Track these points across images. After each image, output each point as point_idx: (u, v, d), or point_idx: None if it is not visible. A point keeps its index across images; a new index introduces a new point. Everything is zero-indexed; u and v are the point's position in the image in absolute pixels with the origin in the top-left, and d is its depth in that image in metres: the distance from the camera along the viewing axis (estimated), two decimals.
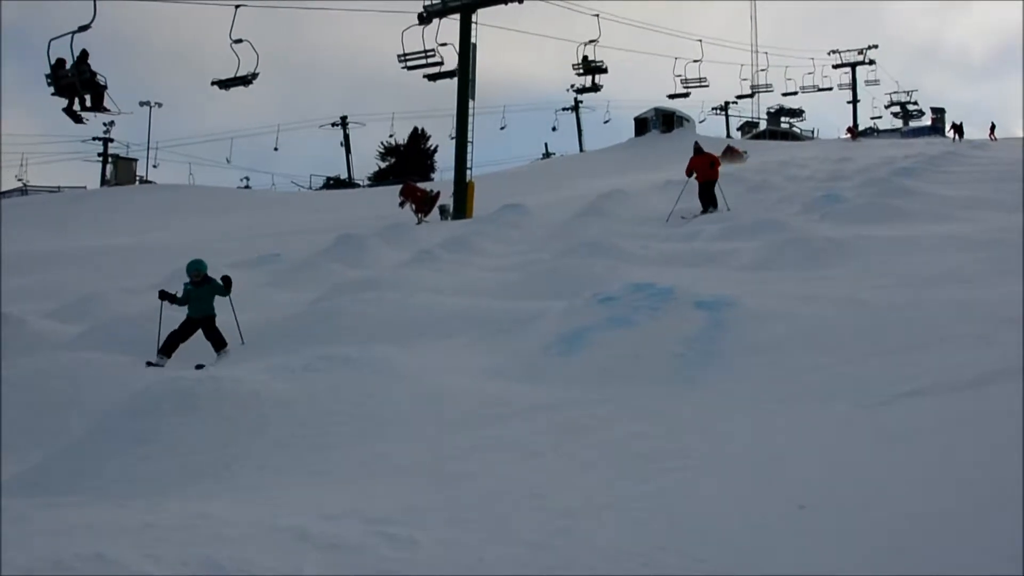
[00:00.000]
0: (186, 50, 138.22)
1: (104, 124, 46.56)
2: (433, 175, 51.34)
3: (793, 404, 5.20)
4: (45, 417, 6.84)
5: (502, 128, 61.64)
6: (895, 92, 66.24)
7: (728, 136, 57.87)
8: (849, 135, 55.47)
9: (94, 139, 49.40)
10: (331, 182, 55.22)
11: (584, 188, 27.27)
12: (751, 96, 57.02)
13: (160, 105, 51.39)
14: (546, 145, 61.57)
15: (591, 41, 33.69)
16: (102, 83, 17.46)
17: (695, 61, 43.61)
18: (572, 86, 39.61)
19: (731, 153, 36.34)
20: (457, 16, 25.58)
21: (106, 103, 17.73)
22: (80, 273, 17.83)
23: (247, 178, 55.29)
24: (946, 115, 58.79)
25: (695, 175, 16.98)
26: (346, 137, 55.74)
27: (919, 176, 19.52)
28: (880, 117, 66.06)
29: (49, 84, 17.20)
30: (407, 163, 55.44)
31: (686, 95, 45.35)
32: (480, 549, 3.33)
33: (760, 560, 3.11)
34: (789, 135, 59.41)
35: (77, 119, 17.89)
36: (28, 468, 5.42)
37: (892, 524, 3.19)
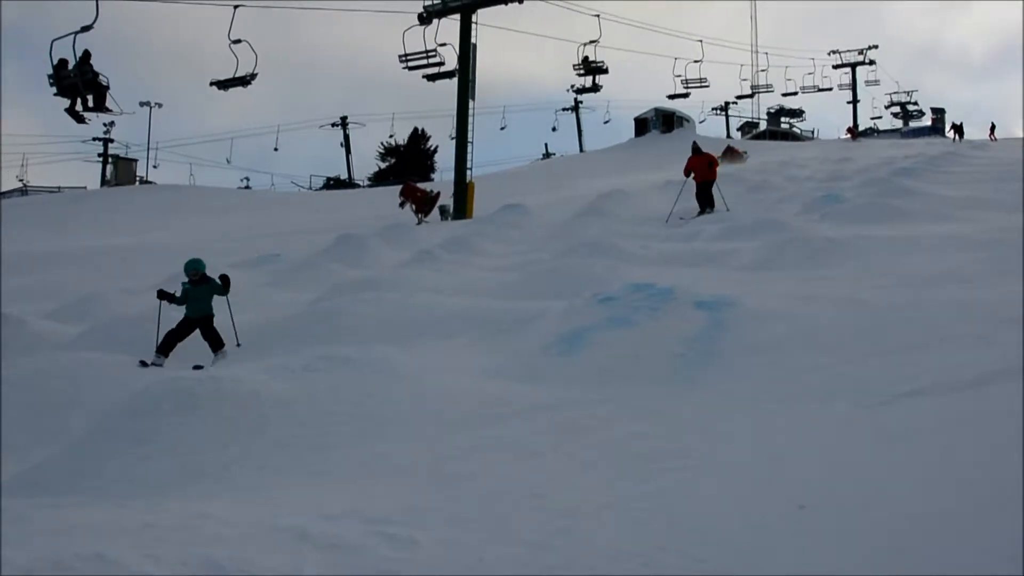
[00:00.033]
0: (186, 50, 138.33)
1: (104, 124, 46.64)
2: (433, 175, 51.37)
3: (793, 404, 5.20)
4: (45, 417, 6.84)
5: (502, 128, 61.71)
6: (895, 92, 66.29)
7: (728, 136, 57.87)
8: (849, 135, 55.48)
9: (94, 139, 49.47)
10: (331, 182, 55.23)
11: (584, 188, 27.27)
12: (751, 96, 57.02)
13: (160, 105, 51.44)
14: (546, 145, 61.65)
15: (592, 41, 33.71)
16: (104, 83, 17.48)
17: (695, 61, 43.61)
18: (572, 86, 39.66)
19: (731, 153, 36.33)
20: (457, 16, 25.59)
21: (108, 103, 17.75)
22: (80, 273, 17.84)
23: (247, 178, 55.38)
24: (946, 115, 58.84)
25: (693, 175, 16.83)
26: (346, 137, 55.79)
27: (919, 176, 19.51)
28: (880, 117, 66.13)
29: (51, 84, 17.22)
30: (407, 163, 55.44)
31: (686, 95, 45.35)
32: (480, 549, 3.33)
33: (760, 560, 3.11)
34: (789, 135, 59.40)
35: (79, 119, 17.91)
36: (28, 468, 5.42)
37: (892, 524, 3.19)
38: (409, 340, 8.08)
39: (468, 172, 25.87)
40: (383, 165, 59.27)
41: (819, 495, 3.59)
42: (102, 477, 4.98)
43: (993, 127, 46.40)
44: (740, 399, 5.50)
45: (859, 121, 61.26)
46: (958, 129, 43.22)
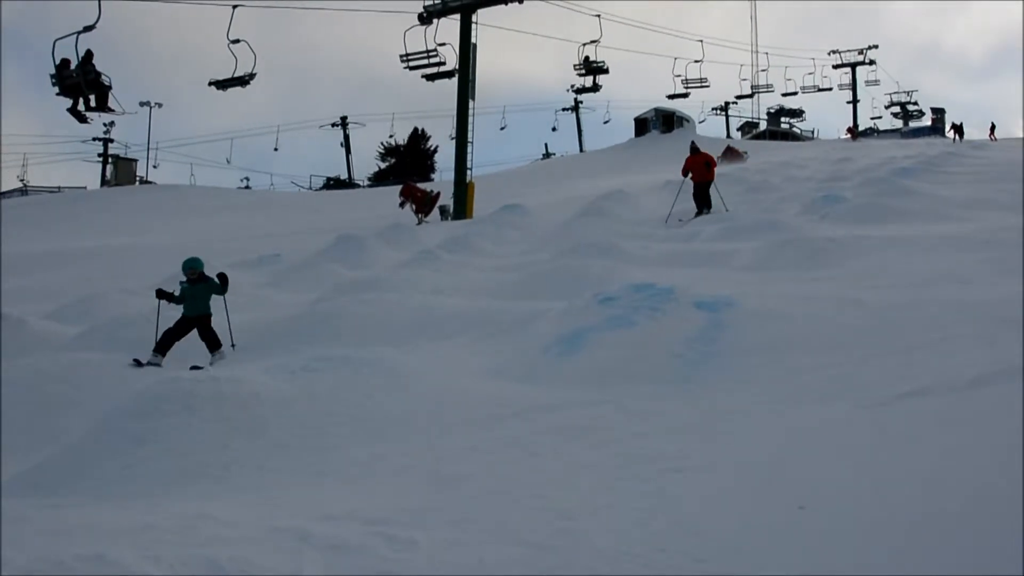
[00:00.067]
0: (186, 50, 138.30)
1: (104, 124, 46.74)
2: (433, 175, 51.44)
3: (793, 404, 5.20)
4: (45, 417, 6.84)
5: (502, 128, 61.80)
6: (895, 92, 66.43)
7: (728, 136, 57.89)
8: (849, 135, 55.51)
9: (94, 139, 49.59)
10: (331, 182, 55.25)
11: (584, 188, 27.28)
12: (751, 96, 57.17)
13: (160, 105, 51.53)
14: (546, 145, 61.73)
15: (593, 41, 33.74)
16: (106, 83, 17.52)
17: (696, 61, 43.72)
18: (572, 86, 39.72)
19: (731, 153, 36.35)
20: (457, 16, 25.60)
21: (110, 103, 17.80)
22: (80, 273, 17.84)
23: (247, 178, 55.45)
24: (946, 115, 58.87)
25: (691, 175, 16.66)
26: (346, 137, 55.85)
27: (919, 176, 19.50)
28: (880, 117, 66.22)
29: (54, 84, 17.26)
30: (407, 163, 55.46)
31: (686, 95, 45.45)
32: (480, 549, 3.33)
33: (760, 560, 3.11)
34: (789, 135, 59.42)
35: (82, 119, 17.95)
36: (28, 468, 5.42)
37: (892, 524, 3.19)
38: (409, 340, 8.09)
39: (468, 172, 25.88)
40: (383, 165, 59.34)
41: (819, 495, 3.59)
42: (102, 477, 4.97)
43: (993, 127, 46.54)
44: (740, 399, 5.50)
45: (859, 121, 61.37)
46: (958, 129, 43.24)
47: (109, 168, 49.97)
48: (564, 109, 58.16)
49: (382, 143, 59.14)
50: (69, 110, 17.59)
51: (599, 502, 3.87)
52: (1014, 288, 6.72)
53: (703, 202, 16.66)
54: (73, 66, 16.95)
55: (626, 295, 7.58)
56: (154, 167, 52.11)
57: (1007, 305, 6.29)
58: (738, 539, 3.32)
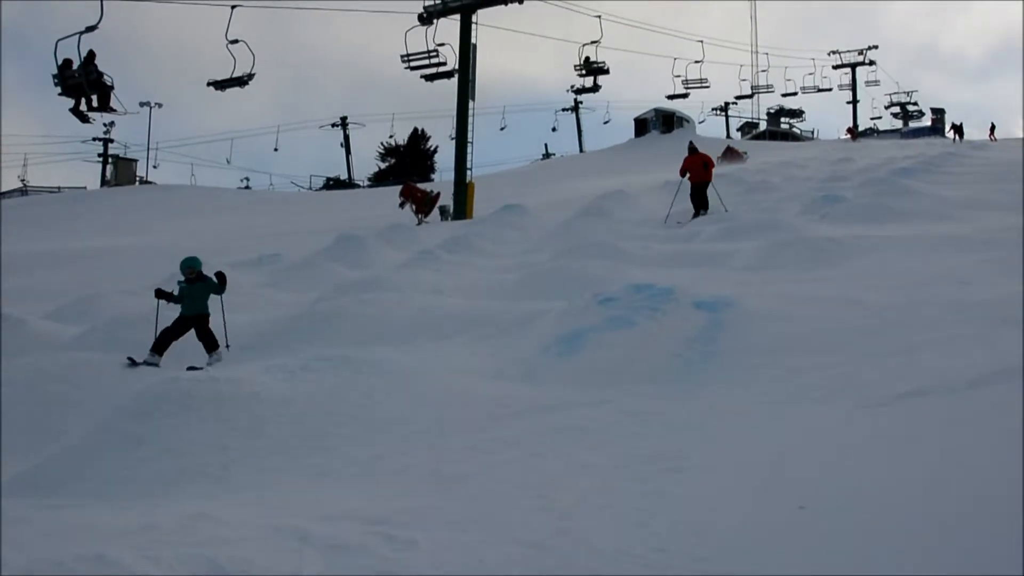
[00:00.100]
0: (186, 50, 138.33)
1: (104, 125, 46.75)
2: (433, 176, 51.43)
3: (793, 404, 5.20)
4: (45, 417, 6.83)
5: (502, 129, 61.82)
6: (895, 93, 66.50)
7: (728, 137, 57.91)
8: (849, 136, 55.50)
9: (94, 140, 49.59)
10: (331, 183, 55.26)
11: (584, 188, 27.27)
12: (751, 97, 57.18)
13: (160, 105, 51.52)
14: (546, 146, 61.74)
15: (593, 42, 33.76)
16: (109, 83, 17.55)
17: (696, 62, 43.72)
18: (572, 86, 39.73)
19: (731, 154, 36.36)
20: (457, 16, 25.59)
21: (112, 103, 17.82)
22: (80, 273, 17.84)
23: (247, 179, 55.46)
24: (946, 116, 58.89)
25: (688, 175, 16.55)
26: (346, 138, 55.86)
27: (919, 177, 19.50)
28: (880, 118, 66.25)
29: (56, 84, 17.28)
30: (407, 164, 55.46)
31: (685, 96, 45.45)
32: (480, 549, 3.33)
33: (760, 560, 3.11)
34: (789, 136, 59.44)
35: (84, 119, 17.98)
36: (28, 468, 5.42)
37: (892, 524, 3.19)
38: (409, 340, 8.08)
39: (468, 172, 25.87)
40: (383, 165, 59.34)
41: (819, 495, 3.59)
42: (102, 478, 4.97)
43: (993, 127, 46.52)
44: (740, 399, 5.50)
45: (859, 121, 61.40)
46: (958, 129, 43.24)
47: (109, 168, 49.98)
48: (564, 109, 58.24)
49: (382, 143, 59.23)
50: (72, 110, 17.63)
51: (599, 502, 3.87)
52: (1014, 288, 6.72)
53: (700, 203, 16.53)
54: (75, 66, 16.97)
55: (626, 295, 7.58)
56: (154, 167, 52.20)
57: (1007, 305, 6.30)
58: (738, 539, 3.32)
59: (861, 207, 14.41)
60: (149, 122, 53.65)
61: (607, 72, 35.11)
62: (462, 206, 25.06)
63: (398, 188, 26.67)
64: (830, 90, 61.49)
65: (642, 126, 54.81)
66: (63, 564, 2.91)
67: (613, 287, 8.06)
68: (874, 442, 4.24)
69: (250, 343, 9.00)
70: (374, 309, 9.29)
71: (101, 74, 17.29)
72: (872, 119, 65.59)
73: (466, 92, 25.55)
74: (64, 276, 17.47)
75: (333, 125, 55.55)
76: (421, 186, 27.39)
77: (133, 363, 7.98)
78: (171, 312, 8.96)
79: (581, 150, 57.90)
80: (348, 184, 54.25)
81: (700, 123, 56.52)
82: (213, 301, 8.97)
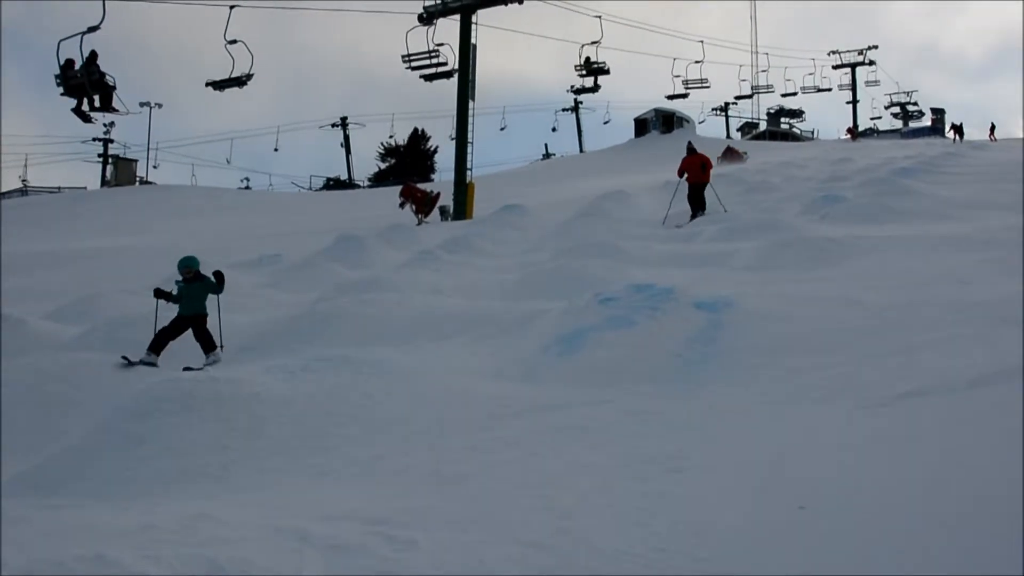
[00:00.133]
0: (186, 50, 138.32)
1: (104, 125, 46.72)
2: (433, 176, 51.43)
3: (793, 404, 5.20)
4: (45, 417, 6.83)
5: (502, 129, 61.77)
6: (895, 93, 66.54)
7: (728, 137, 57.93)
8: (849, 136, 55.52)
9: (94, 140, 49.58)
10: (331, 183, 55.27)
11: (584, 189, 27.27)
12: (751, 97, 57.22)
13: (160, 106, 51.48)
14: (546, 146, 61.75)
15: (594, 42, 33.75)
16: (111, 83, 17.57)
17: (696, 62, 43.74)
18: (572, 87, 39.71)
19: (731, 154, 36.37)
20: (457, 16, 25.60)
21: (114, 103, 17.84)
22: (80, 273, 17.84)
23: (247, 179, 55.49)
24: (946, 116, 58.89)
25: (686, 176, 16.44)
26: (346, 138, 55.88)
27: (919, 176, 19.49)
28: (880, 118, 66.28)
29: (58, 84, 17.30)
30: (407, 164, 55.47)
31: (685, 96, 45.47)
32: (480, 549, 3.33)
33: (760, 560, 3.11)
34: (789, 136, 59.45)
35: (86, 119, 18.01)
36: (28, 468, 5.42)
37: (892, 524, 3.19)
38: (409, 340, 8.08)
39: (468, 172, 25.87)
40: (383, 165, 59.35)
41: (819, 495, 3.59)
42: (102, 478, 4.97)
43: (993, 127, 46.50)
44: (740, 399, 5.50)
45: (859, 121, 61.41)
46: (958, 129, 43.23)
47: (109, 168, 49.97)
48: (564, 109, 58.25)
49: (382, 143, 59.26)
50: (74, 110, 17.64)
51: (599, 502, 3.87)
52: (1014, 288, 6.72)
53: (697, 204, 16.43)
54: (78, 67, 16.99)
55: (626, 295, 7.58)
56: (154, 167, 52.19)
57: (1007, 305, 6.29)
58: (738, 539, 3.32)
59: (861, 207, 14.41)
60: (149, 122, 53.75)
61: (607, 72, 35.12)
62: (462, 206, 25.06)
63: (398, 188, 26.68)
64: (830, 90, 61.61)
65: (642, 126, 54.83)
66: (63, 564, 2.91)
67: (613, 287, 8.07)
68: (874, 442, 4.24)
69: (250, 343, 8.99)
70: (374, 309, 9.29)
71: (103, 74, 17.31)
72: (872, 119, 65.72)
73: (466, 92, 25.56)
74: (64, 276, 17.48)
75: (333, 125, 55.63)
76: (421, 186, 27.39)
77: (128, 362, 7.93)
78: (170, 312, 8.95)
79: (581, 150, 57.91)
80: (348, 184, 54.26)
81: (700, 123, 56.62)
82: (211, 301, 8.95)
